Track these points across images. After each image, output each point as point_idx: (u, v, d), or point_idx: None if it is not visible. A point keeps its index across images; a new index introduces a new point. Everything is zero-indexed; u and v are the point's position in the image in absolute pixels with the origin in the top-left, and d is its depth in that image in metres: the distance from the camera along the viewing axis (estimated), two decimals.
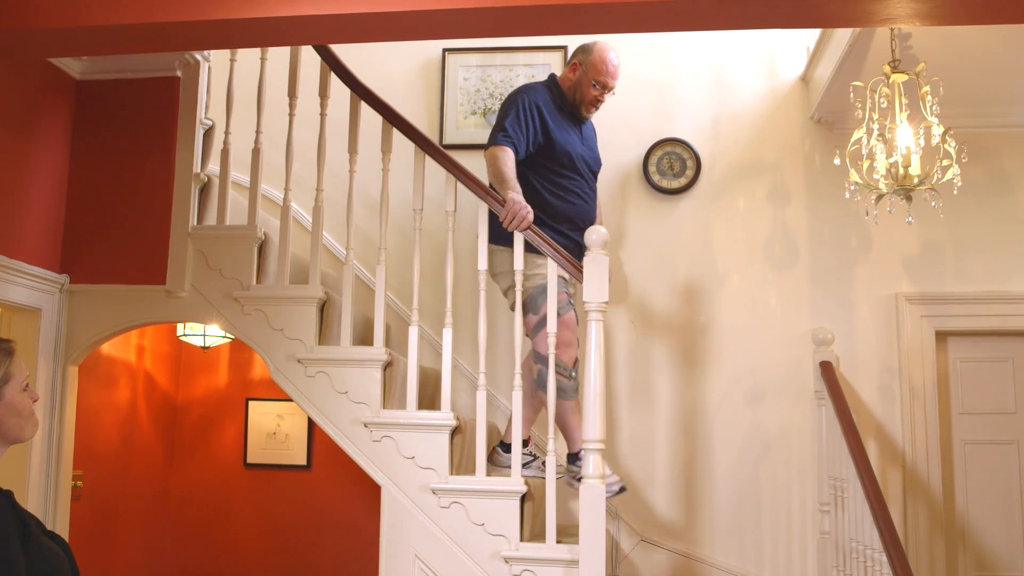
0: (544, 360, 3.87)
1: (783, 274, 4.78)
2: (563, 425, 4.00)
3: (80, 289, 4.16)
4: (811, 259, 4.78)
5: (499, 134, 4.06)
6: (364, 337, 4.17)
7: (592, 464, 3.49)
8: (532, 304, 3.98)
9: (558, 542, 3.67)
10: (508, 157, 3.99)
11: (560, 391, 3.84)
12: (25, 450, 3.91)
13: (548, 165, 4.15)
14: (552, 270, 3.80)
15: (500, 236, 3.97)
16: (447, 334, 3.90)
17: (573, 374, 3.92)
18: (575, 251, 3.98)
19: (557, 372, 3.84)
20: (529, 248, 3.90)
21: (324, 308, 4.11)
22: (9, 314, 4.02)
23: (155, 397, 5.14)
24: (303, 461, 5.17)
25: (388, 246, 4.07)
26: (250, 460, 5.22)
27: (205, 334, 4.91)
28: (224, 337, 4.96)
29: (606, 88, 4.22)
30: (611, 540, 4.51)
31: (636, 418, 4.71)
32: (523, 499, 3.75)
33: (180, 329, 4.94)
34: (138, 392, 4.97)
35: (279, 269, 4.10)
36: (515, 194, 3.89)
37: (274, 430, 5.21)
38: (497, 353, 4.63)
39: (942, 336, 4.73)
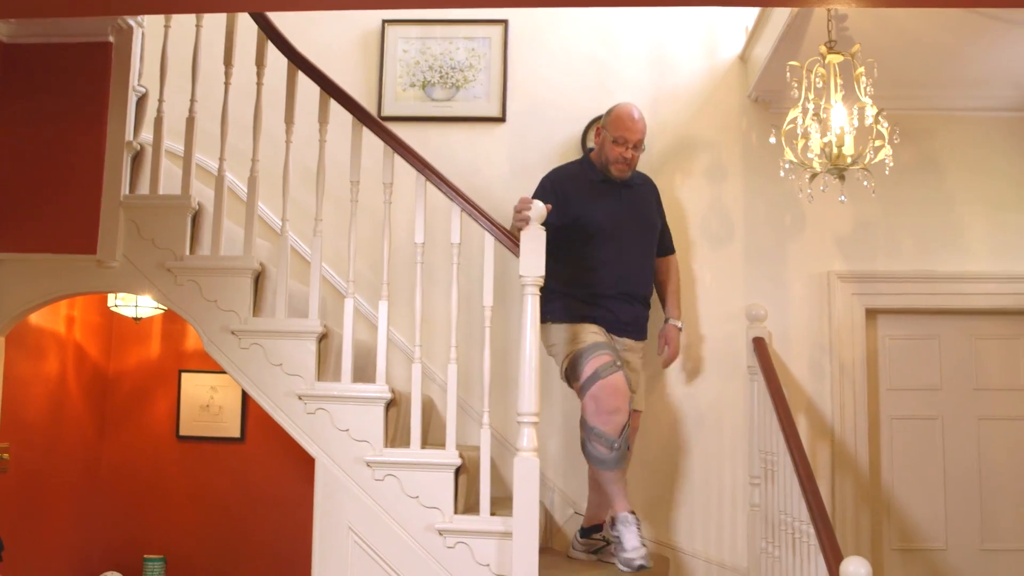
0: (586, 427, 3.89)
1: (719, 250, 4.83)
2: (595, 491, 4.20)
3: (7, 258, 4.06)
4: (746, 236, 4.83)
5: None
6: (299, 309, 4.14)
7: (527, 437, 3.51)
8: (574, 368, 3.98)
9: (492, 514, 3.69)
10: None
11: (599, 461, 3.87)
12: None
13: (574, 238, 4.12)
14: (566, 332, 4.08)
15: (551, 313, 4.08)
16: (383, 307, 3.89)
17: (616, 444, 3.83)
18: (616, 324, 4.15)
19: (598, 442, 3.84)
20: (573, 317, 4.07)
21: (259, 279, 4.07)
22: None
23: (85, 368, 5.05)
24: (237, 434, 5.12)
25: (324, 218, 4.04)
26: (183, 432, 5.16)
27: (137, 305, 4.83)
28: (157, 308, 4.88)
29: (628, 143, 4.15)
30: (545, 512, 4.54)
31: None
32: (457, 472, 3.76)
33: (111, 300, 4.86)
34: (68, 363, 4.89)
35: (213, 240, 4.04)
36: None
37: (207, 402, 5.15)
38: (434, 327, 4.63)
39: (872, 314, 4.82)
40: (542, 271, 3.58)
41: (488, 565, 3.65)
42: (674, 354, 4.42)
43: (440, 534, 3.68)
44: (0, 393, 4.15)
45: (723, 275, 4.82)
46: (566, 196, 4.11)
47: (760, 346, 4.48)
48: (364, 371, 4.11)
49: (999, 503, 4.78)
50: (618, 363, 3.91)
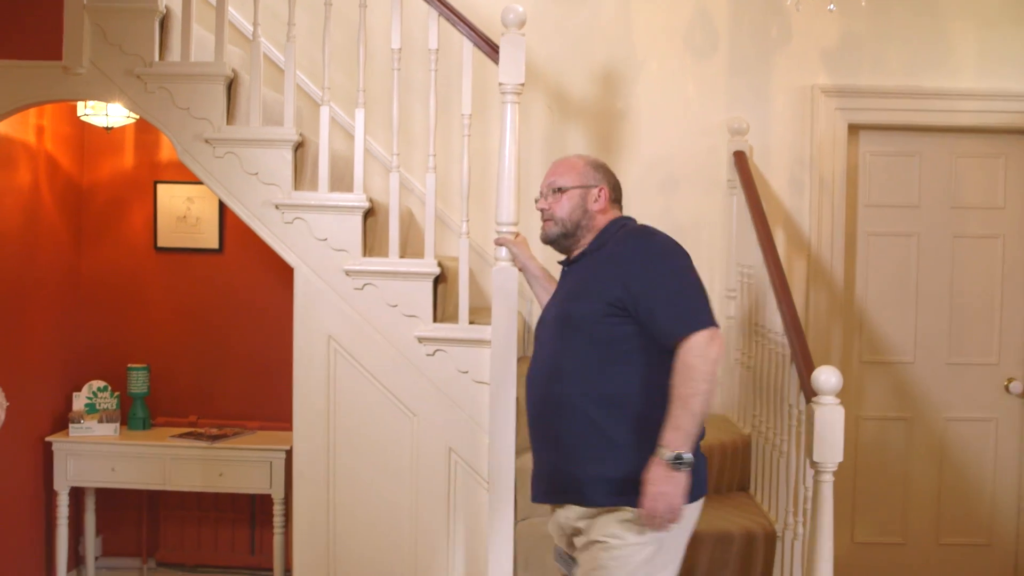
0: None
1: (702, 62, 4.71)
2: None
3: None
4: (730, 48, 4.70)
5: None
6: (274, 118, 4.03)
7: (505, 248, 3.49)
8: None
9: (471, 323, 3.71)
10: None
11: None
12: None
13: None
14: None
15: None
16: (359, 115, 3.80)
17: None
18: (536, 489, 2.97)
19: None
20: None
21: (232, 87, 3.96)
22: None
23: (58, 180, 4.96)
24: (215, 244, 5.09)
25: (297, 23, 3.90)
26: (161, 244, 5.12)
27: (108, 114, 4.70)
28: (128, 117, 4.75)
29: (539, 196, 3.03)
30: (523, 322, 4.57)
31: None
32: (436, 281, 3.76)
33: (81, 109, 4.72)
34: (40, 174, 4.79)
35: (183, 45, 3.91)
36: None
37: (184, 213, 5.09)
38: (412, 137, 4.54)
39: (854, 129, 4.76)
40: (521, 78, 3.48)
41: (467, 372, 3.70)
42: (651, 505, 2.60)
43: (420, 342, 3.71)
44: None
45: (705, 88, 4.71)
46: None
47: (740, 160, 4.43)
48: (341, 181, 4.05)
49: (967, 320, 4.84)
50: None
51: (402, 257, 3.79)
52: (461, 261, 3.69)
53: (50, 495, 4.87)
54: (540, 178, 4.58)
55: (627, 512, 2.67)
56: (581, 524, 2.78)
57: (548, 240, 2.98)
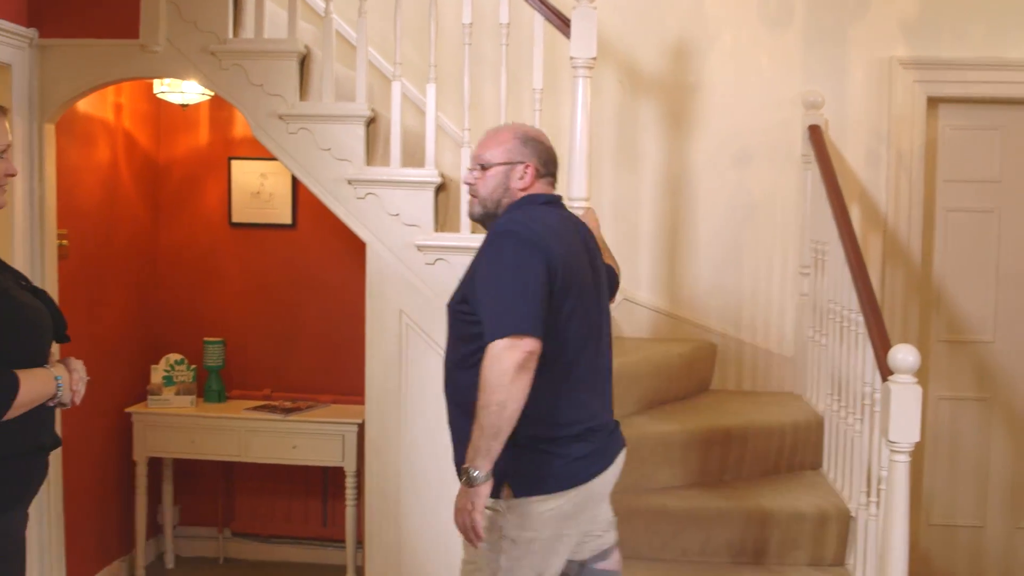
0: None
1: (776, 34, 4.62)
2: None
3: (51, 44, 4.03)
4: (806, 19, 4.61)
5: None
6: (346, 94, 4.06)
7: None
8: None
9: None
10: None
11: None
12: (8, 211, 3.86)
13: None
14: None
15: None
16: (430, 90, 3.81)
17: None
18: None
19: None
20: None
21: (305, 63, 3.99)
22: None
23: (136, 156, 5.05)
24: (288, 220, 5.14)
25: None
26: (235, 219, 5.19)
27: (183, 91, 4.77)
28: (203, 95, 4.82)
29: (468, 169, 2.83)
30: None
31: (621, 179, 4.67)
32: None
33: (157, 86, 4.80)
34: (118, 151, 4.88)
35: (256, 21, 3.95)
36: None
37: (258, 189, 5.15)
38: (482, 112, 4.52)
39: (933, 102, 4.64)
40: (593, 52, 3.46)
41: None
42: (458, 522, 2.57)
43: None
44: (54, 180, 4.19)
45: (779, 60, 4.62)
46: None
47: (815, 134, 4.36)
48: (412, 156, 4.06)
49: None
50: None
51: (473, 233, 3.79)
52: None
53: (129, 465, 4.98)
54: (611, 153, 4.63)
55: None
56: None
57: (473, 218, 2.82)
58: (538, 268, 2.47)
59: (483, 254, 2.59)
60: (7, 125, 2.40)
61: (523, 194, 2.71)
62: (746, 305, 4.68)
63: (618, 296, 4.58)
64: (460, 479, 2.51)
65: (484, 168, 2.72)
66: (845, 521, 3.58)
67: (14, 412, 2.26)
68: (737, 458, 3.95)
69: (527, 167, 2.71)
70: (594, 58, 3.47)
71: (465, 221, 3.76)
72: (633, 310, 4.66)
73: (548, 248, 2.51)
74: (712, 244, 4.67)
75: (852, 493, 3.57)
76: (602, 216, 4.59)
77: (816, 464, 4.10)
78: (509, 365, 2.37)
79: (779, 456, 4.03)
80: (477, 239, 3.71)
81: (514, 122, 2.91)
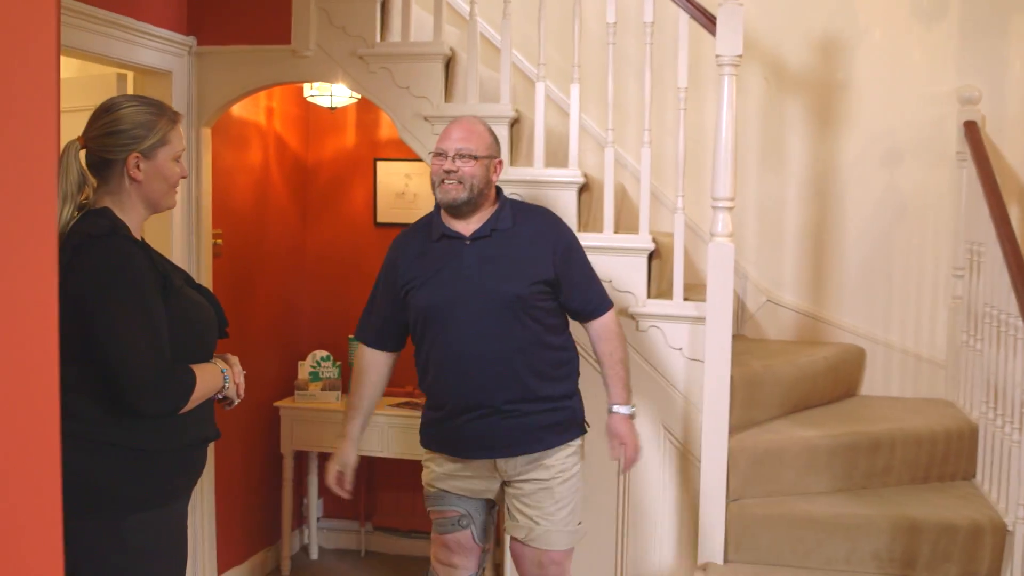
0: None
1: (930, 27, 4.47)
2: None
3: (207, 51, 4.20)
4: (962, 11, 4.44)
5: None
6: (490, 95, 4.11)
7: (721, 222, 3.45)
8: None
9: (685, 299, 3.68)
10: (358, 371, 3.34)
11: None
12: (168, 211, 4.04)
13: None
14: None
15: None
16: (574, 90, 3.81)
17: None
18: (463, 445, 3.09)
19: None
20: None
21: (449, 66, 4.05)
22: (142, 78, 4.09)
23: (286, 158, 5.22)
24: None
25: (512, 1, 3.94)
26: (380, 220, 5.31)
27: (332, 95, 4.91)
28: (351, 97, 4.95)
29: (443, 153, 3.04)
30: (737, 299, 4.50)
31: (765, 178, 4.59)
32: (650, 257, 3.75)
33: (307, 90, 4.95)
34: (270, 153, 5.06)
35: (403, 25, 4.03)
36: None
37: (402, 190, 5.27)
38: (625, 112, 4.52)
39: None
40: (739, 49, 3.41)
41: (680, 349, 3.67)
42: (633, 454, 3.20)
43: (633, 318, 3.71)
44: (210, 182, 4.37)
45: (933, 54, 4.47)
46: (393, 280, 3.20)
47: (972, 130, 4.20)
48: (555, 157, 4.09)
49: None
50: (463, 520, 3.18)
51: (616, 232, 3.79)
52: (676, 236, 3.66)
53: (276, 458, 5.15)
54: (756, 153, 4.57)
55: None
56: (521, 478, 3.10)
57: (456, 203, 3.02)
58: None
59: (558, 237, 3.12)
60: (182, 131, 2.53)
61: (492, 188, 3.11)
62: (895, 308, 4.54)
63: (761, 297, 4.54)
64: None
65: (475, 159, 3.02)
66: (1001, 534, 3.45)
67: (190, 405, 2.37)
68: (885, 466, 3.84)
69: (499, 163, 3.14)
70: (740, 56, 3.43)
71: (609, 222, 3.75)
72: (777, 312, 4.59)
73: None
74: (860, 245, 4.55)
75: (1009, 505, 3.43)
76: (746, 215, 4.55)
77: (969, 474, 3.95)
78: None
79: (929, 465, 3.90)
80: (620, 239, 3.72)
81: (473, 117, 3.21)
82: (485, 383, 2.98)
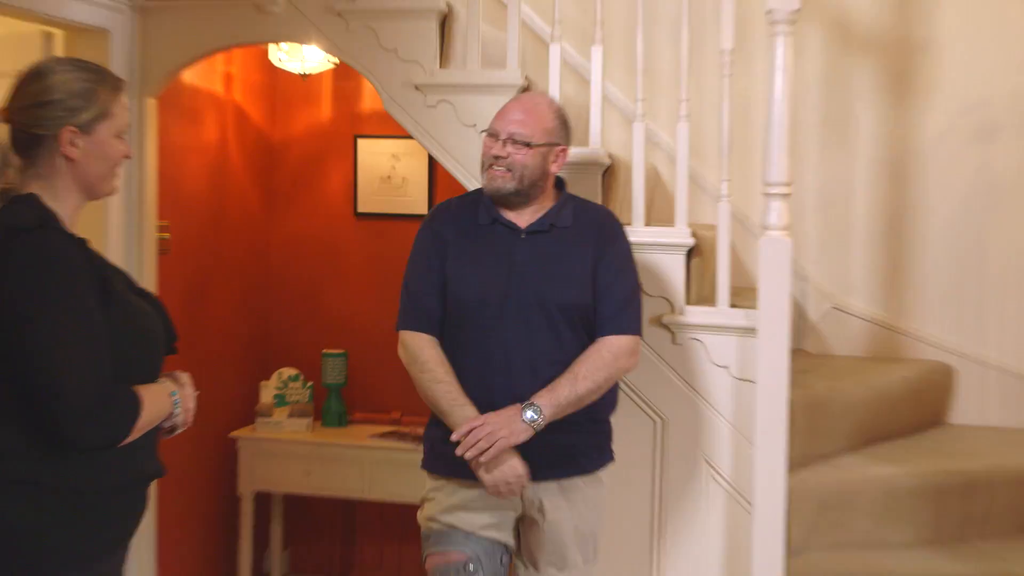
0: None
1: None
2: None
3: (154, 6, 4.23)
4: None
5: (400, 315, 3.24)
6: (494, 59, 4.13)
7: (776, 212, 3.45)
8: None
9: (732, 306, 3.70)
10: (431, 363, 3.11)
11: None
12: (102, 199, 4.06)
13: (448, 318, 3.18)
14: None
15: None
16: (596, 53, 3.84)
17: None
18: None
19: None
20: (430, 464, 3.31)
21: (446, 24, 4.08)
22: (72, 37, 4.12)
23: (248, 135, 5.24)
24: (424, 209, 5.21)
25: None
26: (361, 209, 5.34)
27: (304, 59, 4.94)
28: (327, 62, 4.98)
29: (495, 135, 3.13)
30: (796, 306, 4.53)
31: (829, 158, 4.62)
32: (689, 255, 3.77)
33: (274, 53, 4.98)
34: (228, 129, 5.08)
35: None
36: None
37: (389, 173, 5.29)
38: (657, 79, 4.55)
39: None
40: (796, 3, 3.43)
41: (727, 367, 3.67)
42: (483, 439, 2.97)
43: (668, 329, 3.72)
44: (155, 164, 4.38)
45: (1011, 18, 4.49)
46: (443, 257, 3.20)
47: None
48: (573, 132, 4.11)
49: None
50: (470, 566, 3.13)
51: (647, 224, 3.81)
52: (720, 230, 3.68)
53: (233, 500, 5.14)
54: (816, 128, 4.59)
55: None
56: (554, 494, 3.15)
57: (500, 193, 3.11)
58: None
59: (609, 242, 3.17)
60: (125, 101, 2.53)
61: (550, 178, 3.18)
62: (991, 317, 4.55)
63: (825, 304, 4.56)
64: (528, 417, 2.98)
65: (529, 146, 3.07)
66: None
67: (133, 436, 2.33)
68: (983, 512, 3.84)
69: (563, 151, 3.17)
70: (797, 10, 3.44)
71: (638, 212, 3.77)
72: (844, 321, 4.61)
73: None
74: (946, 239, 4.57)
75: None
76: (805, 203, 4.57)
77: None
78: (629, 368, 3.21)
79: None
80: (652, 233, 3.75)
81: (541, 93, 3.32)
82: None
